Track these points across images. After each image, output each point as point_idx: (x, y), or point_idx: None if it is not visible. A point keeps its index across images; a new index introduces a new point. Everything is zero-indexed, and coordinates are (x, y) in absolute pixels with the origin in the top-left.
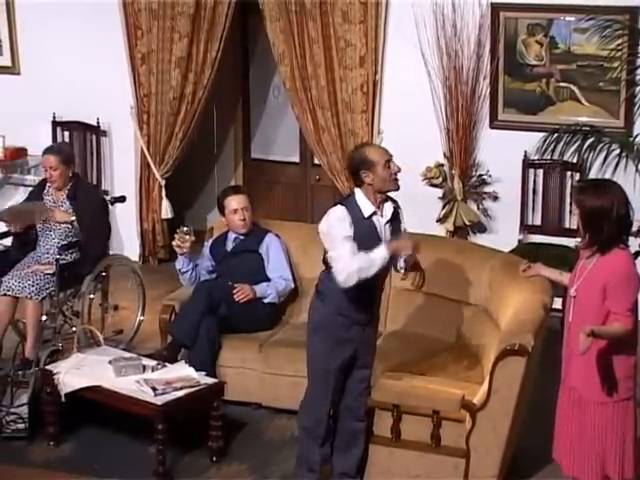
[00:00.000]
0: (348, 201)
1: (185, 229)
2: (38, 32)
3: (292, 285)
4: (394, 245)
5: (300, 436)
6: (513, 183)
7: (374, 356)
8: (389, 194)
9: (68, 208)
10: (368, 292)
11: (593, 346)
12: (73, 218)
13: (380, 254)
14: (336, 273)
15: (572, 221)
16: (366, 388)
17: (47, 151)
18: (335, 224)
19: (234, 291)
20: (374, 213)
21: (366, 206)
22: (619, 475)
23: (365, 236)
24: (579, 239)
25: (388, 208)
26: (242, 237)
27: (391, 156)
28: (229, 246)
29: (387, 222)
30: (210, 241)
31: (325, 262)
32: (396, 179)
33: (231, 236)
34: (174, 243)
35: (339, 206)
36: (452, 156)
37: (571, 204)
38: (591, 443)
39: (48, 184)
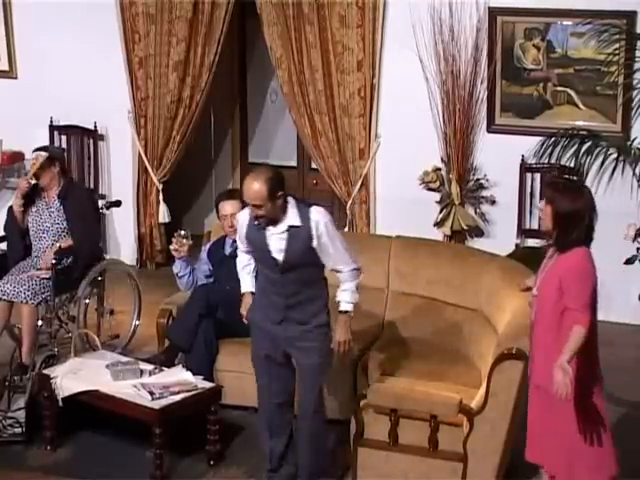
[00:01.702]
0: None
1: (183, 233)
2: (35, 36)
3: None
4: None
5: None
6: (510, 187)
7: (316, 358)
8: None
9: (59, 208)
10: (271, 297)
11: (555, 345)
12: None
13: (242, 284)
14: None
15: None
16: (309, 390)
17: (35, 150)
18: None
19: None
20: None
21: None
22: (590, 470)
23: (252, 239)
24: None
25: (288, 220)
26: None
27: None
28: (227, 250)
29: (282, 233)
30: (208, 245)
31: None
32: (258, 223)
33: (229, 240)
34: (172, 247)
35: (246, 208)
36: (449, 160)
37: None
38: (561, 439)
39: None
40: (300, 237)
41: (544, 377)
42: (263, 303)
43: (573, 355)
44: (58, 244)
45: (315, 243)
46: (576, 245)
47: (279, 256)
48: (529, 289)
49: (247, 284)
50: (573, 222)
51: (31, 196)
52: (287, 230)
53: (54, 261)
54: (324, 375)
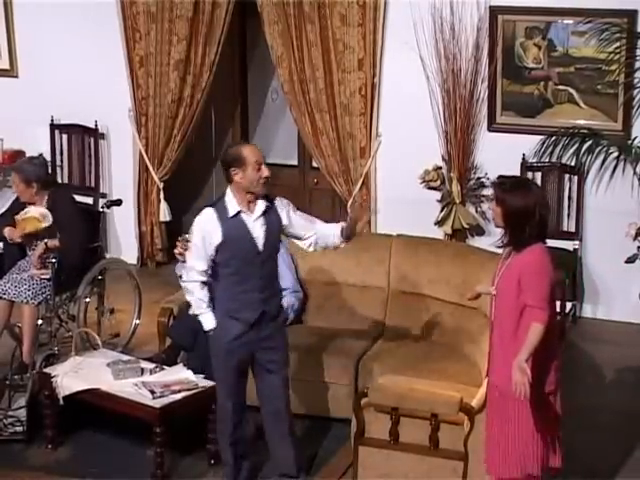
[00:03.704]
0: (219, 201)
1: (187, 236)
2: (36, 35)
3: (301, 295)
4: (353, 219)
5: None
6: None
7: (284, 352)
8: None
9: (48, 214)
10: (245, 296)
11: (513, 344)
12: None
13: (206, 321)
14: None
15: (569, 224)
16: (285, 385)
17: (15, 168)
18: (194, 229)
19: None
20: (239, 212)
21: (232, 205)
22: (538, 468)
23: (235, 234)
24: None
25: (259, 206)
26: None
27: (263, 159)
28: None
29: (258, 218)
30: None
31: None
32: (264, 183)
33: None
34: (176, 251)
35: (207, 208)
36: (450, 159)
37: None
38: (512, 439)
39: None
40: (274, 219)
41: (502, 376)
42: (235, 307)
43: (531, 352)
44: (44, 242)
45: (285, 221)
46: (531, 242)
47: (260, 242)
48: (478, 296)
49: (213, 320)
50: (524, 219)
51: (23, 204)
52: (263, 213)
53: (53, 260)
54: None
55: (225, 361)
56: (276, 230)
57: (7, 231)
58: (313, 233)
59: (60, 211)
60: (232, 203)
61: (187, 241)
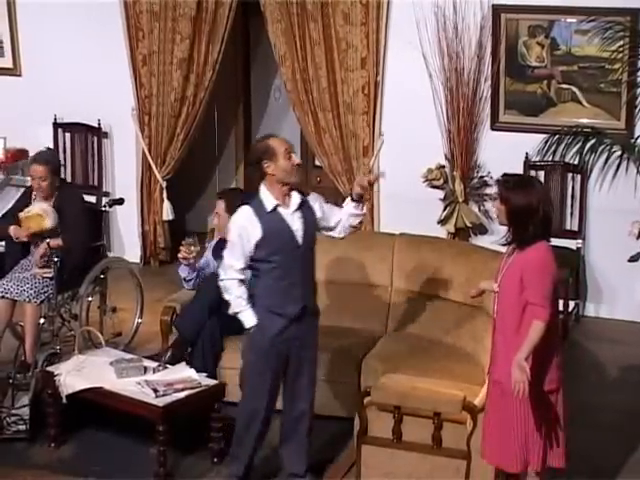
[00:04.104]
0: (254, 197)
1: (190, 240)
2: (39, 34)
3: None
4: (358, 184)
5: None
6: None
7: (315, 350)
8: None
9: (52, 210)
10: (286, 291)
11: (515, 341)
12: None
13: (247, 318)
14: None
15: (572, 222)
16: (312, 384)
17: (35, 160)
18: (231, 227)
19: None
20: (277, 206)
21: (269, 200)
22: (540, 464)
23: (274, 228)
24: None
25: (295, 198)
26: None
27: (292, 146)
28: None
29: (295, 211)
30: (213, 242)
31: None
32: (297, 171)
33: None
34: (180, 255)
35: (243, 207)
36: (453, 158)
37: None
38: (515, 434)
39: (34, 192)
40: (309, 212)
41: (503, 373)
42: (277, 302)
43: (531, 350)
44: (46, 241)
45: (319, 213)
46: (535, 240)
47: (299, 235)
48: (482, 293)
49: (254, 317)
50: (528, 217)
51: (28, 201)
52: (300, 206)
53: (55, 259)
54: None
55: (266, 357)
56: (313, 223)
57: (13, 230)
58: (339, 219)
59: (67, 209)
60: (268, 198)
61: (190, 245)
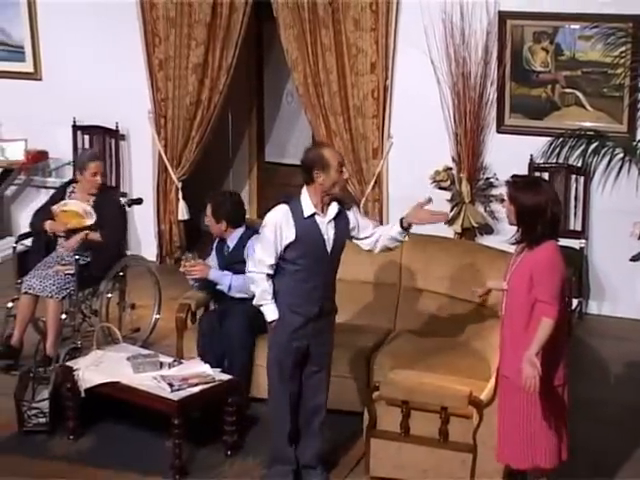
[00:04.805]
0: (294, 199)
1: (189, 255)
2: (59, 40)
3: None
4: (417, 218)
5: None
6: None
7: (331, 347)
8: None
9: (92, 211)
10: (307, 293)
11: (524, 338)
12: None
13: (269, 312)
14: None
15: (575, 223)
16: (328, 381)
17: (96, 157)
18: (267, 222)
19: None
20: (315, 214)
21: (308, 206)
22: (547, 461)
23: (307, 234)
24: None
25: (332, 208)
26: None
27: (344, 160)
28: (230, 246)
29: (330, 221)
30: (216, 241)
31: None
32: (344, 186)
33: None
34: (181, 270)
35: (283, 205)
36: (460, 160)
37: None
38: (522, 430)
39: (73, 185)
40: (343, 222)
41: (512, 368)
42: (297, 302)
43: (541, 347)
44: (85, 232)
45: (353, 223)
46: (544, 239)
47: (330, 244)
48: (488, 292)
49: (276, 311)
50: (536, 217)
51: (62, 195)
52: (336, 215)
53: (77, 257)
54: None
55: (286, 350)
56: (345, 233)
57: (48, 224)
58: (373, 232)
59: (107, 208)
60: (308, 204)
61: (191, 259)
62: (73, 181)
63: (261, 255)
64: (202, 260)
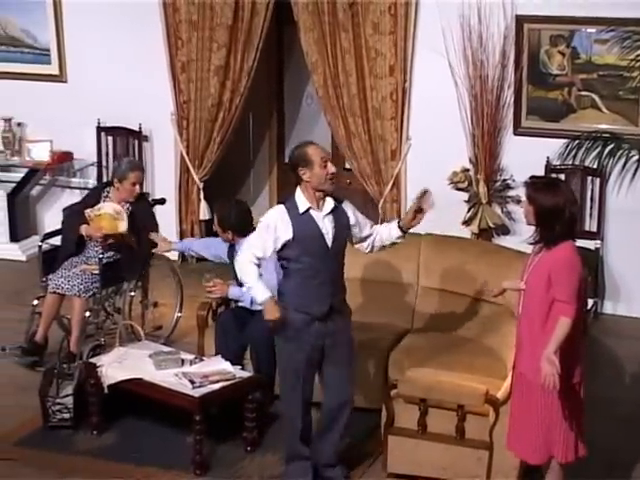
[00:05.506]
0: (289, 199)
1: (207, 276)
2: (84, 42)
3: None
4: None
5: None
6: None
7: (351, 348)
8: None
9: (122, 210)
10: (314, 290)
11: (541, 337)
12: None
13: (258, 292)
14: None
15: (591, 224)
16: (350, 380)
17: (138, 167)
18: (263, 219)
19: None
20: (310, 208)
21: (302, 203)
22: (564, 456)
23: (305, 230)
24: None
25: (328, 203)
26: None
27: (328, 155)
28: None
29: (327, 215)
30: (227, 245)
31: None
32: (332, 179)
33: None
34: (206, 292)
35: (279, 205)
36: (477, 161)
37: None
38: (537, 426)
39: (107, 190)
40: (342, 217)
41: (530, 367)
42: (305, 302)
43: (559, 345)
44: (120, 232)
45: (353, 220)
46: (562, 239)
47: (329, 238)
48: (503, 292)
49: (266, 290)
50: (554, 217)
51: (97, 200)
52: (333, 209)
53: (101, 255)
54: None
55: (297, 352)
56: (345, 227)
57: (84, 229)
58: (372, 232)
59: (141, 213)
60: (302, 200)
61: (209, 280)
62: (108, 184)
63: (250, 245)
64: (220, 280)
